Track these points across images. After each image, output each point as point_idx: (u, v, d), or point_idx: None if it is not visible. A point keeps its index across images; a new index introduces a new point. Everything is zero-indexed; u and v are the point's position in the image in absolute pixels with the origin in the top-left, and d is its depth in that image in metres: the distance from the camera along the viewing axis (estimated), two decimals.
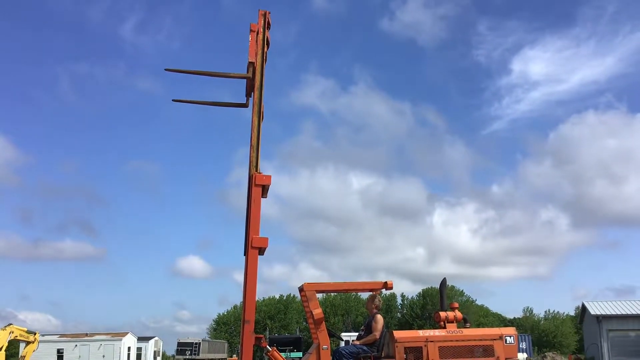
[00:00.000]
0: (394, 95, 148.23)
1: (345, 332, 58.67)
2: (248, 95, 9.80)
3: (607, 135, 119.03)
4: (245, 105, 9.89)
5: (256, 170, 9.13)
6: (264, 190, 9.12)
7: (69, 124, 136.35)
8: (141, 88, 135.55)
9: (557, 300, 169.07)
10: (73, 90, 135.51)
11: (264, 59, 9.57)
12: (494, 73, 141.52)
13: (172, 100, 10.31)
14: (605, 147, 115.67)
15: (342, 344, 12.14)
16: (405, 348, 9.31)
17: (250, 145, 9.29)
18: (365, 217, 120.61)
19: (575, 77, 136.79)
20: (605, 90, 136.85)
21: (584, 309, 48.83)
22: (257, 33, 9.52)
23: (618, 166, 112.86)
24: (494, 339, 9.54)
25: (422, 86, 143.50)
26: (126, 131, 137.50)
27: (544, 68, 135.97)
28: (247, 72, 9.44)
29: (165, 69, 9.81)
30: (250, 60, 9.36)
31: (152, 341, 69.93)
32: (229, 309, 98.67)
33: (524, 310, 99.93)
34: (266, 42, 9.67)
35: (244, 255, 9.02)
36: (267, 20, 9.73)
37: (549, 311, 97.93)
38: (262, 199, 9.11)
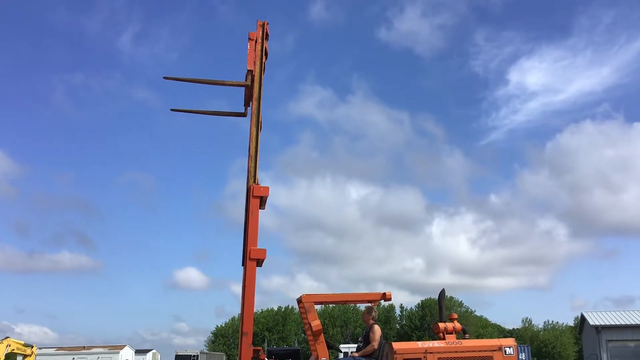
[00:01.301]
0: (391, 105, 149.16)
1: (344, 343, 58.42)
2: (246, 104, 9.78)
3: (604, 145, 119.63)
4: (243, 115, 9.87)
5: (254, 182, 9.11)
6: (262, 201, 9.09)
7: (64, 134, 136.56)
8: (138, 99, 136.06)
9: (556, 311, 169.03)
10: (69, 101, 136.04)
11: (262, 70, 9.56)
12: (491, 84, 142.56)
13: (171, 109, 10.28)
14: (602, 156, 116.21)
15: (341, 355, 12.09)
16: (404, 359, 9.25)
17: (249, 155, 9.26)
18: (364, 228, 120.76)
19: (572, 87, 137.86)
20: (602, 100, 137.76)
21: (583, 319, 48.73)
22: (256, 42, 9.52)
23: (615, 175, 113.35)
24: (494, 350, 9.49)
25: (420, 96, 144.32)
26: (122, 142, 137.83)
27: (541, 78, 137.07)
28: (246, 80, 9.42)
29: (164, 77, 9.78)
30: (249, 69, 9.33)
31: (149, 354, 69.63)
32: (227, 320, 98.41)
33: (523, 320, 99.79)
34: (264, 53, 9.67)
35: (242, 266, 8.98)
36: (265, 31, 9.74)
37: (548, 322, 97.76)
38: (260, 210, 9.09)
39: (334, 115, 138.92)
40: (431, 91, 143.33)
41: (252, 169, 9.16)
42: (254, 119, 9.32)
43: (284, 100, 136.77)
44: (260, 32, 9.71)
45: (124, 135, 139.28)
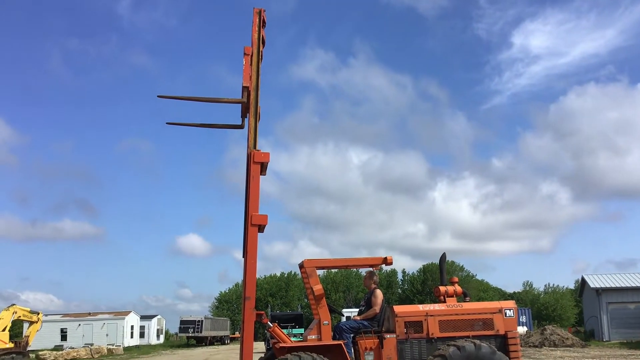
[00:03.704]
0: (394, 68, 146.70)
1: (347, 308, 59.08)
2: (243, 116, 9.66)
3: (608, 107, 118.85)
4: (241, 127, 9.77)
5: (254, 148, 9.12)
6: (263, 167, 9.11)
7: (62, 101, 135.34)
8: (137, 65, 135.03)
9: (557, 274, 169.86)
10: (66, 66, 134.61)
11: (259, 59, 9.46)
12: (494, 47, 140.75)
13: (166, 123, 10.30)
14: (606, 119, 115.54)
15: (343, 319, 12.23)
16: (405, 322, 9.37)
17: (248, 145, 9.23)
18: (366, 193, 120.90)
19: (576, 50, 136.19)
20: (606, 63, 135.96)
21: (583, 282, 49.10)
22: (252, 56, 9.37)
23: (619, 138, 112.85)
24: (494, 312, 9.60)
25: (423, 58, 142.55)
26: (121, 108, 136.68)
27: (545, 41, 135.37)
28: (242, 96, 9.30)
29: (158, 96, 9.62)
30: (244, 85, 9.21)
31: (154, 319, 70.46)
32: (231, 287, 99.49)
33: (523, 284, 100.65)
34: (262, 41, 9.57)
35: (244, 232, 9.03)
36: (262, 18, 9.63)
37: (548, 285, 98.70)
38: (261, 176, 9.11)
39: (335, 79, 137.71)
40: (434, 54, 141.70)
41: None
42: (252, 110, 9.26)
43: (284, 65, 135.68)
44: (257, 19, 9.59)
45: (122, 101, 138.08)
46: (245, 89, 9.24)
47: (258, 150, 9.05)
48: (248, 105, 9.30)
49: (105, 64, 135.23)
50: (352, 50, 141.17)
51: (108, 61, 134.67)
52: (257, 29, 9.53)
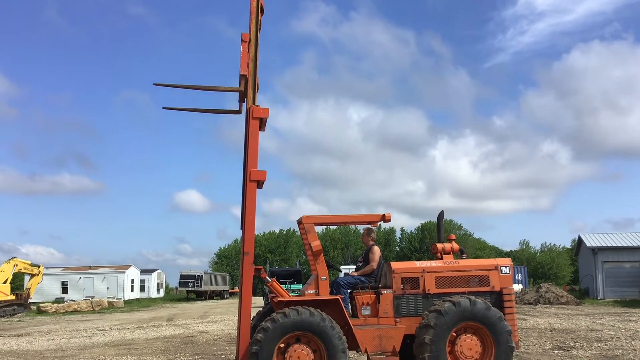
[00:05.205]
0: (397, 23, 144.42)
1: (345, 265, 59.62)
2: (241, 101, 9.56)
3: (612, 66, 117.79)
4: (238, 112, 9.67)
5: (253, 103, 9.06)
6: (262, 123, 9.07)
7: (59, 52, 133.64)
8: (132, 15, 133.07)
9: (555, 233, 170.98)
10: (63, 18, 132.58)
11: (258, 28, 9.31)
12: (499, 3, 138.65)
13: (163, 108, 10.17)
14: (610, 77, 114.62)
15: (341, 275, 12.36)
16: (402, 278, 9.46)
17: (247, 102, 9.14)
18: (365, 150, 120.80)
19: (581, 7, 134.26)
20: (612, 20, 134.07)
21: (580, 241, 49.41)
22: (249, 43, 9.20)
23: (622, 97, 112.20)
24: (490, 269, 9.68)
25: (427, 13, 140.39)
26: (117, 60, 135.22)
27: None
28: (240, 85, 9.17)
29: (154, 84, 9.44)
30: (242, 73, 9.06)
31: (154, 273, 71.25)
32: (230, 242, 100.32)
33: (520, 243, 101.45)
34: (260, 9, 9.40)
35: (243, 188, 9.04)
36: None
37: (545, 244, 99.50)
38: (260, 132, 9.08)
39: (337, 33, 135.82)
40: (438, 9, 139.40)
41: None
42: (251, 82, 9.14)
43: (285, 17, 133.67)
44: None
45: (120, 53, 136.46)
46: (242, 77, 9.11)
47: (257, 106, 8.99)
48: (246, 93, 9.18)
49: (103, 15, 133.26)
50: (353, 3, 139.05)
51: (105, 12, 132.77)
52: None
